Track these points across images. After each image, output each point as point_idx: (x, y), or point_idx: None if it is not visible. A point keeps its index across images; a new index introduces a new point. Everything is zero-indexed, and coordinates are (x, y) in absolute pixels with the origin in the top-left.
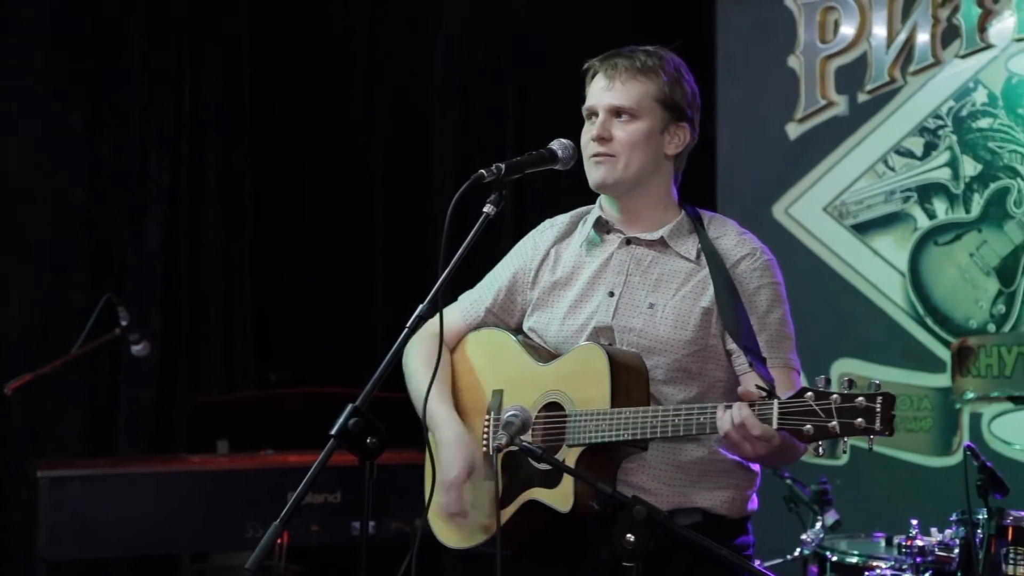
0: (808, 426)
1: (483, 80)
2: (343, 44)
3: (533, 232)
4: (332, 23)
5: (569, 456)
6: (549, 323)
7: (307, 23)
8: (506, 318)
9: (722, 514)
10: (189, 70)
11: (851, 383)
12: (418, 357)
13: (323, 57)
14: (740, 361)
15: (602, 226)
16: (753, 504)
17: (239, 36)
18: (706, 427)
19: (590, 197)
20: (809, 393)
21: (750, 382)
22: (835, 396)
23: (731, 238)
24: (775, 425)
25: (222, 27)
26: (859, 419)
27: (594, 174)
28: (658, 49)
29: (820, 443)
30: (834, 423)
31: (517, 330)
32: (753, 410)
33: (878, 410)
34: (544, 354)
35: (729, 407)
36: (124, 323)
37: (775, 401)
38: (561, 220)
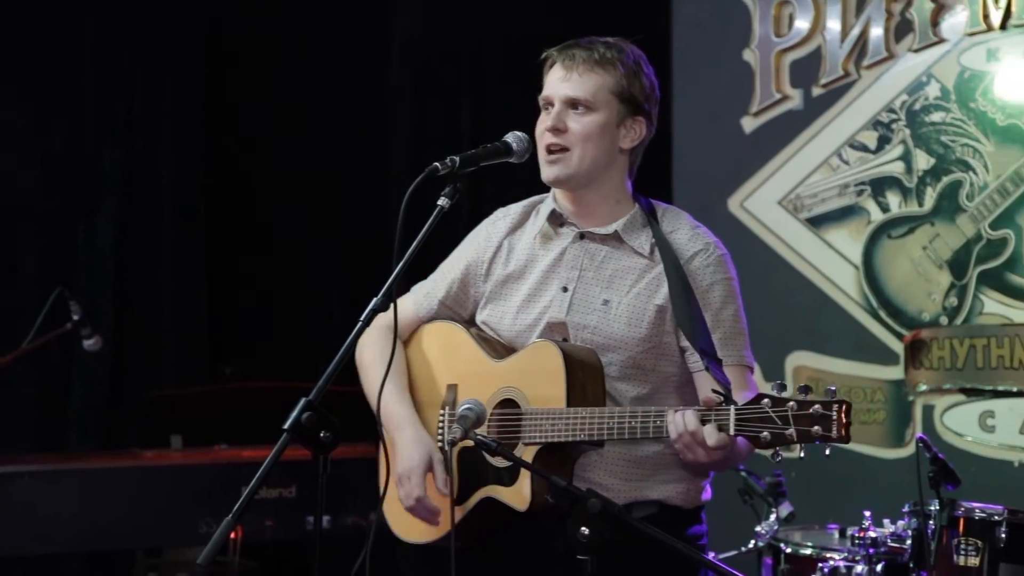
0: (765, 433)
1: (440, 73)
2: (299, 38)
3: (485, 222)
4: (288, 17)
5: (525, 454)
6: (502, 317)
7: (263, 16)
8: (459, 310)
9: (677, 505)
10: (142, 65)
11: (808, 389)
12: (371, 351)
13: (279, 51)
14: (695, 358)
15: (555, 219)
16: (707, 494)
17: (194, 30)
18: (663, 431)
19: (546, 188)
20: (766, 400)
21: (704, 380)
22: (791, 403)
23: (685, 232)
24: (732, 431)
25: (177, 22)
26: (816, 427)
27: (548, 171)
28: (618, 41)
29: (778, 449)
30: (791, 431)
31: (470, 322)
32: (711, 417)
33: (834, 417)
34: (498, 349)
35: (680, 411)
36: (76, 317)
37: (732, 408)
38: (514, 210)
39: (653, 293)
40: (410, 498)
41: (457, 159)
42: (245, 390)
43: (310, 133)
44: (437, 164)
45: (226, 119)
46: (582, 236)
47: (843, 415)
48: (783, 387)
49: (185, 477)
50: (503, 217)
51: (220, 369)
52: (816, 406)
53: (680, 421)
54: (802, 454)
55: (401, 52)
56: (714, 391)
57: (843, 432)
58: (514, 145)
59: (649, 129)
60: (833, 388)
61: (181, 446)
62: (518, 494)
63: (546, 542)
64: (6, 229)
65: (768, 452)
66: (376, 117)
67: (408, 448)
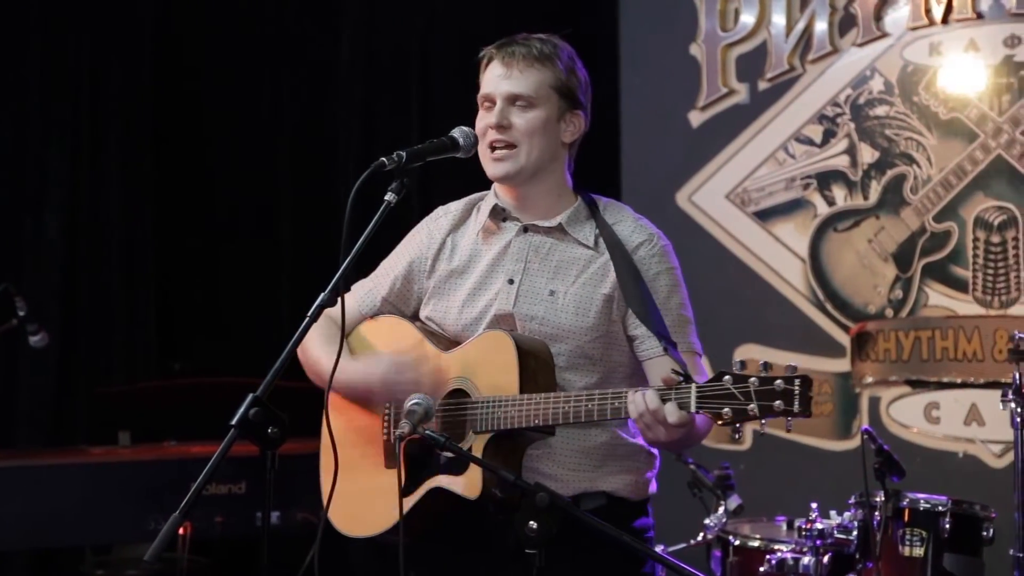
0: (726, 409)
1: (388, 67)
2: (248, 31)
3: (427, 220)
4: (238, 9)
5: (476, 443)
6: (447, 312)
7: (212, 8)
8: (402, 307)
9: (624, 496)
10: (89, 56)
11: (768, 365)
12: (317, 341)
13: (228, 44)
14: (644, 347)
15: (498, 214)
16: (653, 487)
17: (141, 22)
18: (621, 411)
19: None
20: (727, 376)
21: (655, 368)
22: (753, 379)
23: (628, 224)
24: (693, 408)
25: (124, 13)
26: (777, 401)
27: (495, 168)
28: (551, 37)
29: (737, 426)
30: (752, 406)
31: (413, 319)
32: (671, 395)
33: (796, 392)
34: (444, 342)
35: (640, 391)
36: (21, 313)
37: (693, 385)
38: (455, 208)
39: (599, 283)
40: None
41: (404, 154)
42: (193, 386)
43: (260, 128)
44: (384, 159)
45: (175, 113)
46: (526, 229)
47: (806, 389)
48: (743, 365)
49: (134, 473)
50: (444, 215)
51: (168, 365)
52: (778, 381)
53: (640, 400)
54: (763, 430)
55: (349, 48)
56: (674, 371)
57: (805, 406)
58: (460, 140)
59: (586, 122)
60: (794, 364)
61: (130, 442)
62: (468, 482)
63: (497, 534)
64: None
65: (728, 429)
66: (324, 113)
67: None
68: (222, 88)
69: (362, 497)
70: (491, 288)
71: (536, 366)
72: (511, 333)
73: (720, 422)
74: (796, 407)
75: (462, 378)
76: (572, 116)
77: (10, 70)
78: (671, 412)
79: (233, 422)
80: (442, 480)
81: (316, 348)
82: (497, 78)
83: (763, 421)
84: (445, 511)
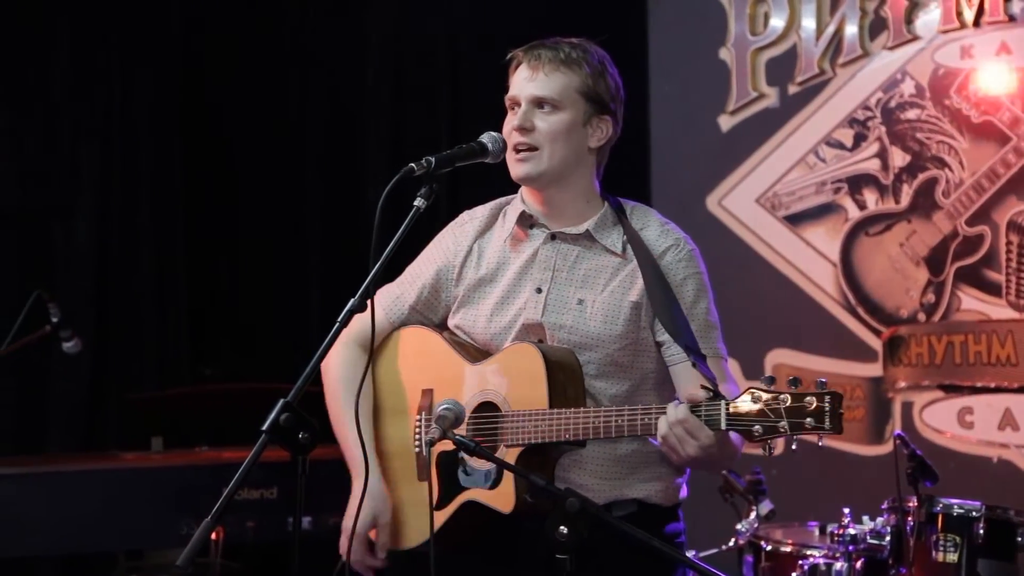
0: (757, 427)
1: (417, 72)
2: (276, 36)
3: (452, 226)
4: (265, 14)
5: (507, 457)
6: (475, 320)
7: (239, 14)
8: (430, 315)
9: (656, 503)
10: (119, 63)
11: (797, 381)
12: (337, 371)
13: (256, 49)
14: (671, 352)
15: (525, 221)
16: (683, 492)
17: (170, 29)
18: (651, 428)
19: (517, 188)
20: (757, 393)
21: (683, 372)
22: (783, 396)
23: (654, 229)
24: (723, 426)
25: (153, 20)
26: (808, 418)
27: (517, 168)
28: (583, 41)
29: (769, 443)
30: (783, 423)
31: (440, 327)
32: (700, 411)
33: (827, 409)
34: (473, 352)
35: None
36: (55, 320)
37: (723, 402)
38: (480, 213)
39: (627, 290)
40: (351, 554)
41: (432, 160)
42: (226, 392)
43: (288, 133)
44: (413, 165)
45: (204, 118)
46: (553, 237)
47: (836, 406)
48: (772, 380)
49: (166, 479)
50: (469, 220)
51: (200, 371)
52: (808, 398)
53: (671, 411)
54: (794, 447)
55: (377, 52)
56: (703, 387)
57: (836, 423)
58: (489, 145)
59: (615, 128)
60: (824, 380)
61: (162, 448)
62: (502, 496)
63: (528, 544)
64: None
65: (759, 446)
66: (352, 118)
67: (356, 502)
68: (250, 94)
69: (398, 510)
70: (519, 297)
71: (565, 378)
72: (539, 345)
73: (750, 439)
74: (827, 424)
75: (490, 391)
76: (600, 121)
77: (41, 76)
78: (700, 427)
79: (264, 427)
80: (475, 494)
81: (333, 378)
82: (523, 80)
83: (794, 438)
84: (478, 524)
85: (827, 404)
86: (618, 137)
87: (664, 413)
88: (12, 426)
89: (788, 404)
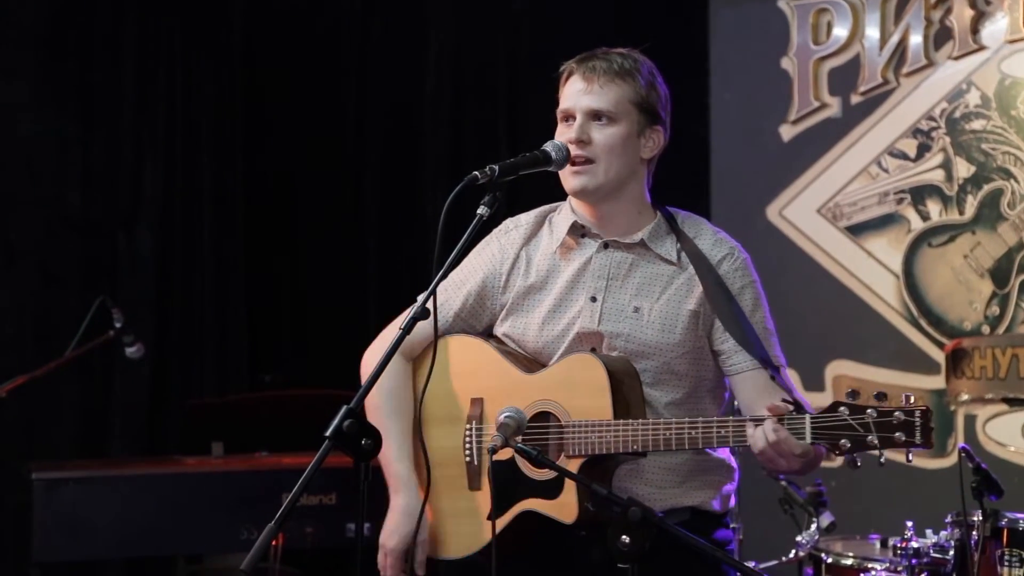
0: (844, 440)
1: (476, 81)
2: (335, 48)
3: (496, 233)
4: (324, 25)
5: (569, 467)
6: (526, 329)
7: (299, 24)
8: (474, 323)
9: (709, 510)
10: (181, 75)
11: (883, 396)
12: (380, 381)
13: (315, 61)
14: (732, 361)
15: (576, 230)
16: (733, 500)
17: (231, 42)
18: (727, 440)
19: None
20: (843, 408)
21: (745, 382)
22: (870, 411)
23: (707, 238)
24: (808, 440)
25: (214, 31)
26: (898, 433)
27: (574, 181)
28: (631, 51)
29: (856, 457)
30: (872, 437)
31: (485, 335)
32: (783, 424)
33: (918, 424)
34: (524, 362)
35: (759, 424)
36: (118, 325)
37: (807, 416)
38: (525, 221)
39: (684, 298)
40: (384, 570)
41: (496, 168)
42: (285, 398)
43: (347, 141)
44: (477, 173)
45: (264, 126)
46: (607, 245)
47: (927, 421)
48: (856, 394)
49: (226, 484)
50: (515, 228)
51: (260, 377)
52: (897, 413)
53: (761, 435)
54: (883, 460)
55: (437, 60)
56: (784, 400)
57: (927, 438)
58: (553, 154)
59: (665, 137)
60: (910, 395)
61: (223, 453)
62: (564, 507)
63: (583, 551)
64: (48, 239)
65: (841, 459)
66: (413, 124)
67: (396, 519)
68: (310, 105)
69: (446, 519)
70: (573, 305)
71: (627, 389)
72: (599, 355)
73: (838, 452)
74: (918, 438)
75: (549, 401)
76: (652, 132)
77: (106, 90)
78: (794, 444)
79: (328, 433)
80: (534, 503)
81: (380, 407)
82: (577, 93)
83: (883, 452)
84: (536, 533)
85: (917, 419)
86: (667, 145)
87: (740, 425)
88: (75, 430)
89: (876, 418)
